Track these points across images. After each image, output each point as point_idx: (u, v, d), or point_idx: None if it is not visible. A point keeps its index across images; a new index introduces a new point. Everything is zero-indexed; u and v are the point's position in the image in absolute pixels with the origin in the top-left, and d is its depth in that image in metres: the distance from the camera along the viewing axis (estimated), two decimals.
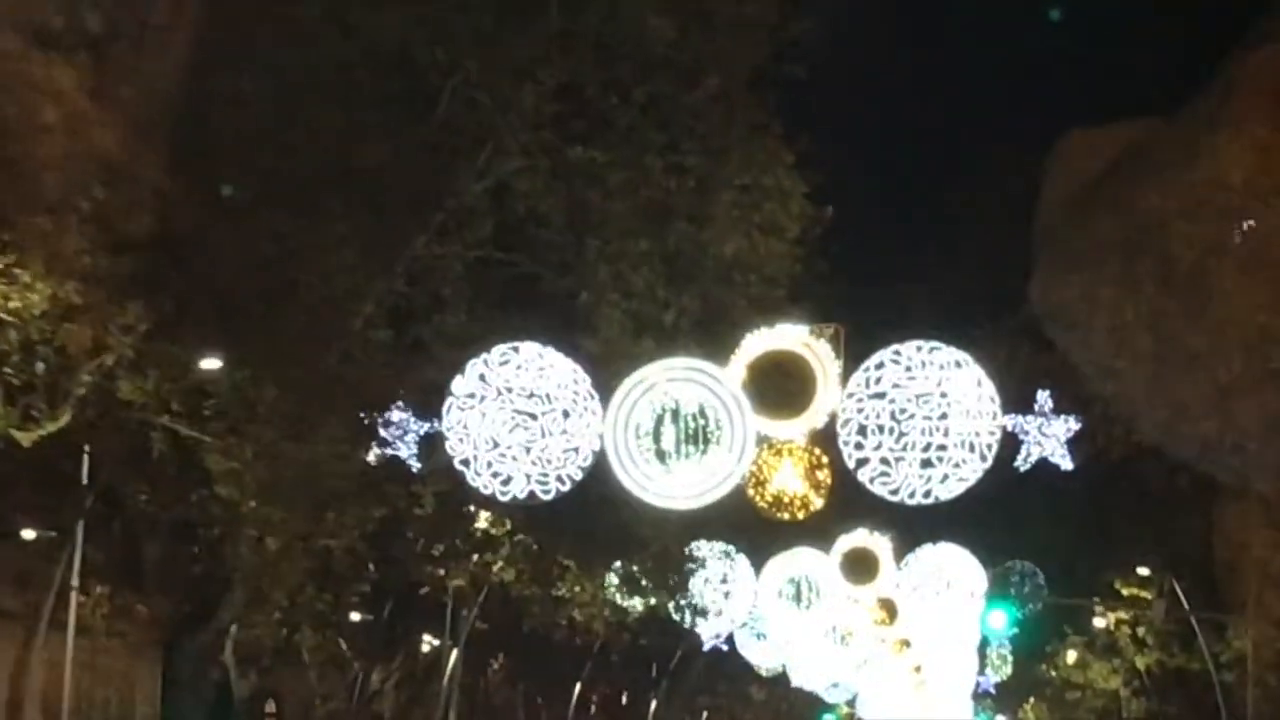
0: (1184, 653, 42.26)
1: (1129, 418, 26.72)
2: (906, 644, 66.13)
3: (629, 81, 25.22)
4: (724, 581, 40.68)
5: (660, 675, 70.25)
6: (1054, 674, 50.29)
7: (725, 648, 55.85)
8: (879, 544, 42.86)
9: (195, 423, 19.05)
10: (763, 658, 54.97)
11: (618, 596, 39.25)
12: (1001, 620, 30.86)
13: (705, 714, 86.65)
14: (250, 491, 19.60)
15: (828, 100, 29.82)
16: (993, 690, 78.20)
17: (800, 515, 24.32)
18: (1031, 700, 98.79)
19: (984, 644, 54.81)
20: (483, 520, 34.06)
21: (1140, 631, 43.03)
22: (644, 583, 32.97)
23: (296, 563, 22.16)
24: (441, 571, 35.30)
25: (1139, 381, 26.14)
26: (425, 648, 51.58)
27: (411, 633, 46.99)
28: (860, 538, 42.69)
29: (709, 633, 41.57)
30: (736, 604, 41.78)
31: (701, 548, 36.00)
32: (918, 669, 74.63)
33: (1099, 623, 51.56)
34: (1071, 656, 57.67)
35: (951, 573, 41.63)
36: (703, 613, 39.49)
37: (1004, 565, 32.83)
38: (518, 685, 74.30)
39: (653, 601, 39.02)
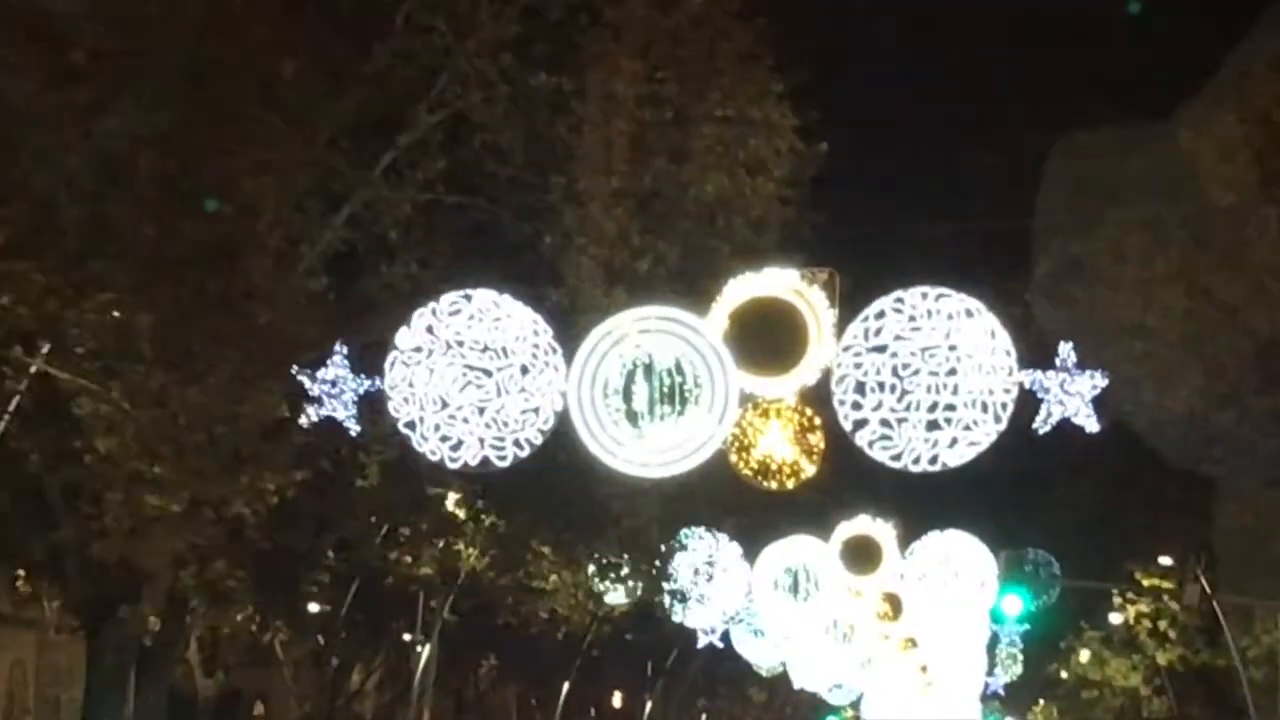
0: (1209, 648, 39.43)
1: (1159, 380, 23.87)
2: (912, 643, 63.58)
3: (600, 1, 22.56)
4: (709, 564, 37.83)
5: (656, 675, 67.32)
6: (1068, 672, 47.34)
7: (720, 645, 53.17)
8: (882, 531, 40.03)
9: (69, 362, 16.21)
10: (760, 656, 52.08)
11: (598, 586, 36.55)
12: (1016, 606, 27.84)
13: (704, 717, 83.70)
14: (131, 445, 16.77)
15: (827, 28, 26.89)
16: (1001, 691, 75.56)
17: (790, 484, 21.41)
18: (1041, 703, 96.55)
19: (993, 642, 52.00)
20: (450, 503, 31.35)
21: (1162, 625, 40.18)
22: (622, 570, 30.03)
23: (181, 530, 19.24)
24: (408, 559, 32.57)
25: (1170, 339, 23.28)
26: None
27: (384, 627, 44.23)
28: (862, 525, 39.87)
29: (698, 624, 38.72)
30: (728, 595, 38.92)
31: (685, 529, 33.03)
32: (924, 669, 71.91)
33: (1115, 618, 48.82)
34: (1085, 656, 55.07)
35: (960, 562, 38.77)
36: (682, 598, 36.67)
37: (1018, 550, 29.66)
38: (509, 687, 71.63)
39: (637, 591, 36.31)
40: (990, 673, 70.38)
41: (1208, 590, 36.68)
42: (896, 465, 20.94)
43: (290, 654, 52.39)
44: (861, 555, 39.77)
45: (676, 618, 38.54)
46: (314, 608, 37.81)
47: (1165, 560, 38.14)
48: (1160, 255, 23.59)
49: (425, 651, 41.10)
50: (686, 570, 37.43)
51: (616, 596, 38.31)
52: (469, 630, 46.87)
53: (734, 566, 38.80)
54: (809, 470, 21.36)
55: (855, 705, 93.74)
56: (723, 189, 22.45)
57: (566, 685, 55.36)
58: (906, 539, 39.69)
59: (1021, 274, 26.52)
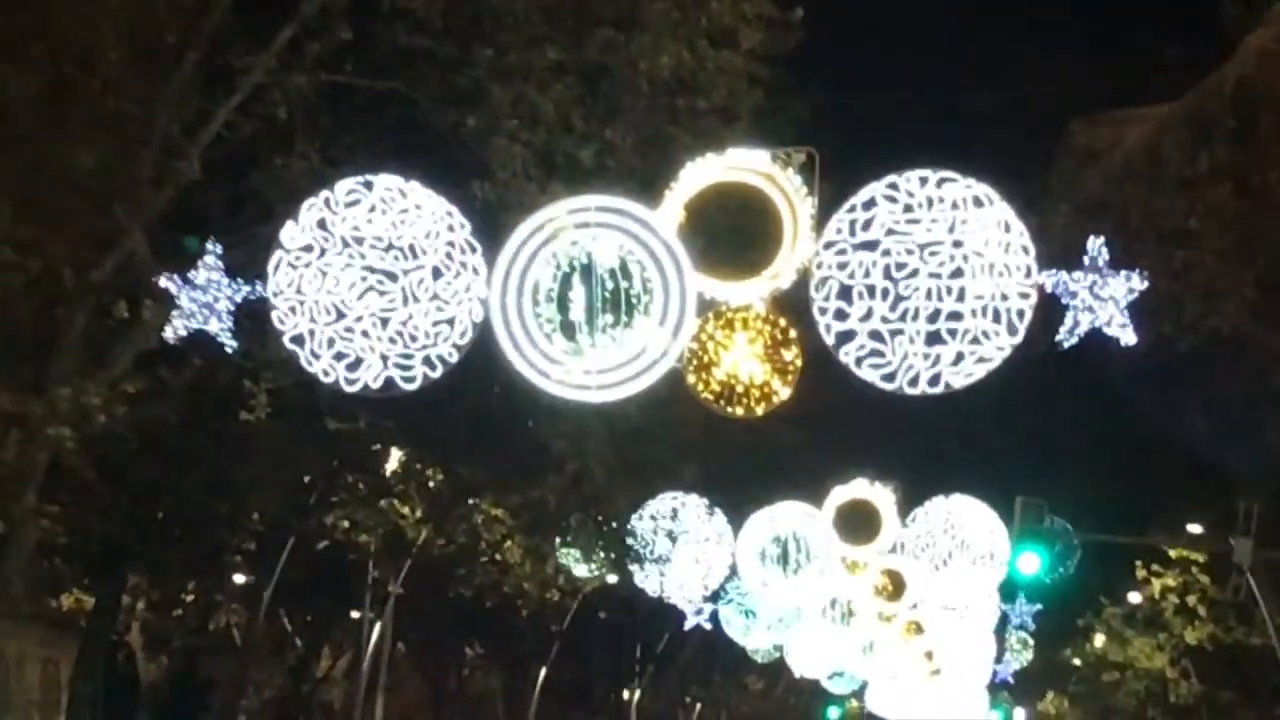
0: (1242, 625, 35.57)
1: (1204, 295, 20.01)
2: (917, 627, 59.90)
3: None
4: (674, 518, 34.01)
5: (644, 662, 63.49)
6: (1088, 650, 43.33)
7: (709, 626, 49.34)
8: (880, 496, 36.14)
9: None
10: (753, 640, 48.20)
11: (564, 558, 32.91)
12: (1033, 564, 23.91)
13: (698, 707, 79.80)
14: None
15: None
16: (1011, 680, 71.75)
17: (759, 409, 17.52)
18: (1050, 694, 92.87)
19: (1002, 624, 48.12)
20: (394, 460, 27.65)
21: (1191, 601, 36.26)
22: (569, 530, 26.24)
23: None
24: (345, 523, 28.85)
25: (1218, 246, 19.43)
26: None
27: (337, 605, 40.55)
28: (858, 489, 36.00)
29: (676, 598, 34.86)
30: (712, 568, 35.09)
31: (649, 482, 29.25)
32: (930, 655, 68.11)
33: (1134, 598, 45.08)
34: (1100, 641, 51.32)
35: (967, 531, 34.89)
36: (637, 557, 32.90)
37: (1034, 501, 25.36)
38: (495, 677, 67.87)
39: (605, 563, 32.69)
40: (999, 659, 67.02)
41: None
42: (889, 387, 17.11)
43: (248, 638, 48.64)
44: (858, 523, 35.88)
45: (648, 588, 34.69)
46: (238, 579, 33.94)
47: (1195, 529, 34.37)
48: (1205, 149, 19.84)
49: (376, 630, 37.30)
50: (649, 529, 33.73)
51: (584, 569, 34.69)
52: (434, 611, 43.25)
53: (715, 534, 34.93)
54: (783, 393, 17.50)
55: (859, 694, 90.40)
56: (681, 64, 18.66)
57: (544, 671, 51.50)
58: (908, 505, 35.81)
59: (1040, 163, 22.51)
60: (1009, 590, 39.53)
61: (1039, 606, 48.73)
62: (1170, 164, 19.95)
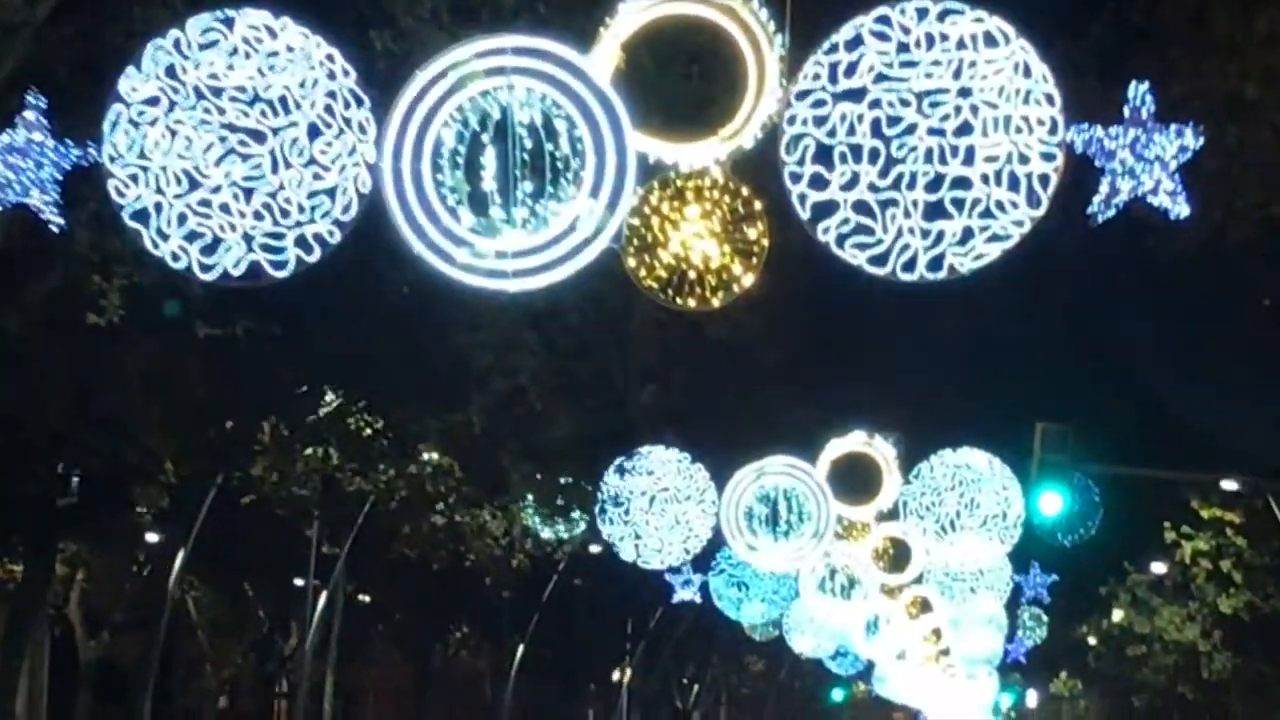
0: None
1: (1263, 176, 16.52)
2: (923, 604, 56.84)
3: None
4: (649, 473, 30.52)
5: (636, 639, 59.98)
6: (1111, 623, 39.65)
7: (698, 599, 45.91)
8: (880, 450, 32.65)
9: None
10: (745, 613, 44.72)
11: (529, 519, 29.50)
12: (1056, 504, 20.35)
13: (696, 689, 76.25)
14: None
15: None
16: (1023, 659, 68.51)
17: (716, 300, 14.01)
18: (1064, 675, 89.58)
19: (1015, 595, 44.71)
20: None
21: (1225, 566, 32.68)
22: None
23: None
24: (275, 475, 25.39)
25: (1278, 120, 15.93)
26: None
27: (274, 571, 37.07)
28: (855, 442, 32.53)
29: (649, 562, 31.35)
30: (694, 530, 31.52)
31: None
32: (937, 634, 64.98)
33: (1157, 569, 41.65)
34: (1118, 616, 47.81)
35: (976, 489, 31.36)
36: (609, 519, 29.53)
37: (1057, 427, 21.59)
38: (484, 658, 64.49)
39: (574, 523, 29.30)
40: (1010, 638, 63.60)
41: None
42: (879, 272, 13.64)
43: (205, 613, 45.33)
44: (856, 480, 32.38)
45: (622, 553, 31.22)
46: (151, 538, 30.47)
47: (1230, 485, 30.91)
48: (1260, 10, 16.40)
49: (321, 600, 33.85)
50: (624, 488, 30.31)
51: (550, 531, 31.24)
52: (395, 580, 39.88)
53: (698, 494, 31.40)
54: (745, 280, 14.00)
55: (863, 676, 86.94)
56: None
57: (521, 649, 48.03)
58: (910, 459, 32.28)
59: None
60: (1023, 553, 35.98)
61: (1054, 577, 45.38)
62: (1219, 24, 16.56)
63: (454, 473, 26.89)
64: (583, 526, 30.79)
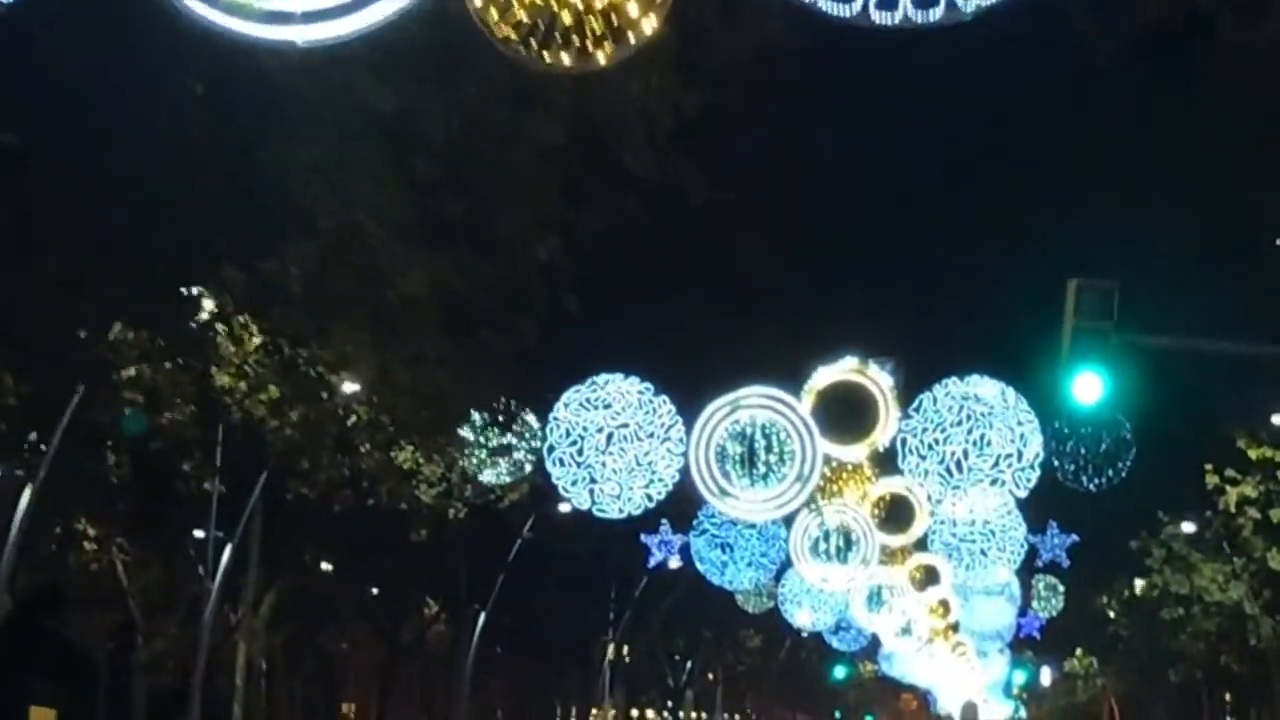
0: None
1: None
2: (928, 573, 52.65)
3: None
4: (606, 407, 26.08)
5: (620, 608, 55.28)
6: (1146, 583, 34.97)
7: (678, 561, 41.51)
8: (875, 379, 28.07)
9: None
10: (730, 578, 40.14)
11: (470, 461, 25.07)
12: (1094, 390, 15.80)
13: (689, 665, 71.47)
14: None
15: None
16: (1037, 634, 64.07)
17: (602, 55, 9.42)
18: (1079, 651, 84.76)
19: (1031, 556, 40.20)
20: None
21: (1276, 516, 28.12)
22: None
23: None
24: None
25: None
26: None
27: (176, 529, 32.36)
28: (845, 370, 27.99)
29: (588, 500, 26.83)
30: (657, 473, 27.01)
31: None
32: (944, 606, 60.72)
33: (1187, 528, 37.12)
34: (1140, 586, 43.32)
35: (987, 423, 26.82)
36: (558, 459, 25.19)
37: (1099, 284, 16.91)
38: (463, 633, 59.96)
39: (518, 465, 24.91)
40: (1023, 611, 59.03)
41: None
42: (844, 14, 9.16)
43: (137, 579, 40.59)
44: (846, 412, 27.80)
45: (574, 500, 26.73)
46: None
47: None
48: None
49: (225, 556, 29.33)
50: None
51: (492, 473, 26.76)
52: (333, 538, 35.37)
53: (663, 431, 26.89)
54: (645, 25, 9.39)
55: (870, 652, 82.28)
56: None
57: (482, 617, 43.47)
58: (910, 390, 27.68)
59: None
60: (1042, 506, 31.38)
61: (1074, 538, 40.89)
62: None
63: (371, 401, 22.53)
64: (528, 468, 26.17)
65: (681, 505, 39.79)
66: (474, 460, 25.84)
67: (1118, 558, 39.30)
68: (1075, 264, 14.82)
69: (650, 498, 27.05)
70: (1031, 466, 26.80)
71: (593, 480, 26.90)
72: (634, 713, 72.06)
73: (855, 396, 27.69)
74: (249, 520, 28.26)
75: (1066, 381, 14.10)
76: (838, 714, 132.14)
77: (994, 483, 26.88)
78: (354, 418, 24.31)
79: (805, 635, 72.01)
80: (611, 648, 55.01)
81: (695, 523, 39.15)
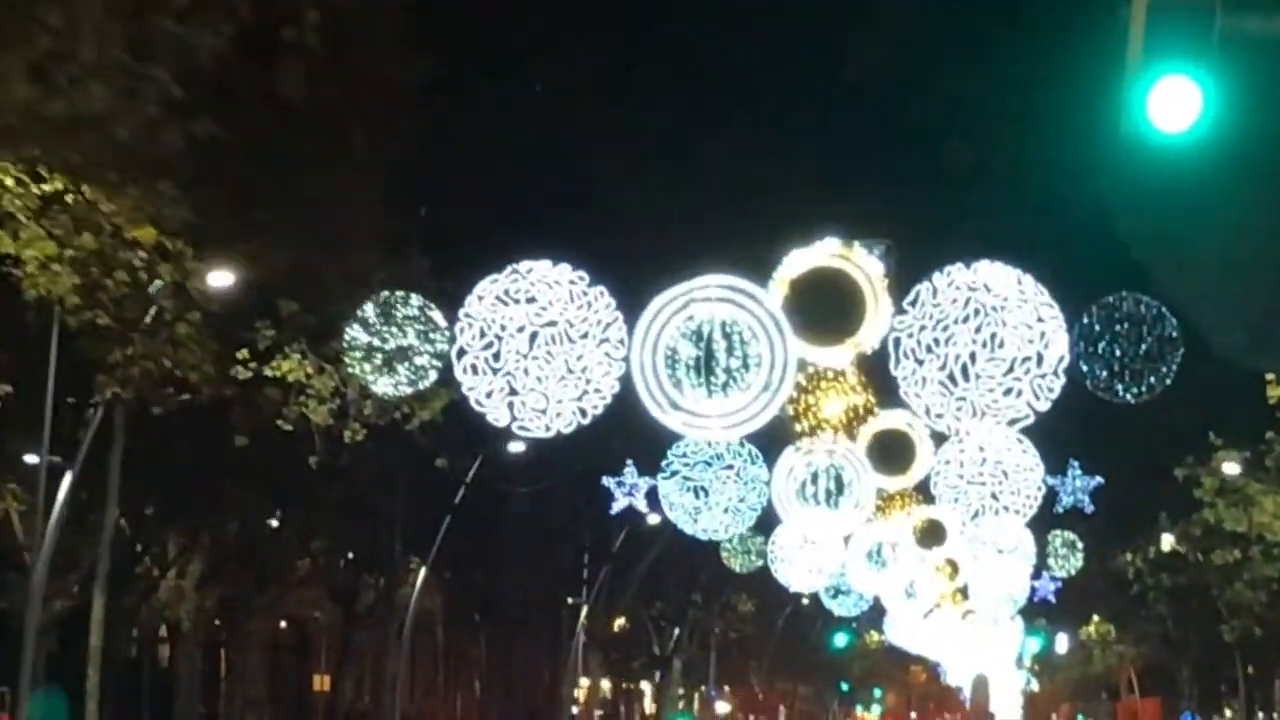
0: None
1: None
2: (932, 531, 48.11)
3: None
4: (529, 301, 21.03)
5: (595, 564, 50.01)
6: (1200, 517, 29.75)
7: (644, 507, 36.38)
8: (861, 266, 22.70)
9: None
10: (704, 524, 34.97)
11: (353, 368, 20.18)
12: (1185, 105, 10.66)
13: (676, 632, 65.80)
14: None
15: None
16: (1052, 597, 59.12)
17: None
18: (1095, 619, 79.95)
19: (1049, 502, 34.99)
20: None
21: None
22: None
23: None
24: None
25: None
26: None
27: None
28: (825, 254, 22.65)
29: (508, 414, 21.64)
30: (592, 381, 21.79)
31: None
32: (952, 566, 55.83)
33: (1229, 469, 31.97)
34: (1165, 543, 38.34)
35: (999, 319, 21.57)
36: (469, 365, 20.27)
37: None
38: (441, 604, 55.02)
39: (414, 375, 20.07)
40: (1037, 573, 54.18)
41: None
42: None
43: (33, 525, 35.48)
44: (827, 308, 22.48)
45: (491, 415, 21.55)
46: None
47: None
48: None
49: (64, 484, 24.15)
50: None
51: (384, 384, 21.66)
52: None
53: (599, 329, 21.66)
54: None
55: (876, 621, 77.14)
56: None
57: (423, 572, 38.27)
58: (905, 280, 22.33)
59: None
60: (1064, 428, 26.17)
61: (1098, 480, 35.70)
62: None
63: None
64: (433, 376, 21.08)
65: (651, 444, 34.86)
66: (358, 363, 20.74)
67: (1148, 505, 34.22)
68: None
69: (584, 413, 21.89)
70: (1055, 372, 21.62)
71: (513, 392, 21.80)
72: (611, 685, 67.04)
73: (836, 287, 22.37)
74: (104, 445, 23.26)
75: (1138, 95, 8.91)
76: (844, 686, 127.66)
77: (1008, 392, 21.69)
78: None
79: (804, 600, 67.34)
80: (585, 611, 49.78)
81: (664, 463, 34.17)
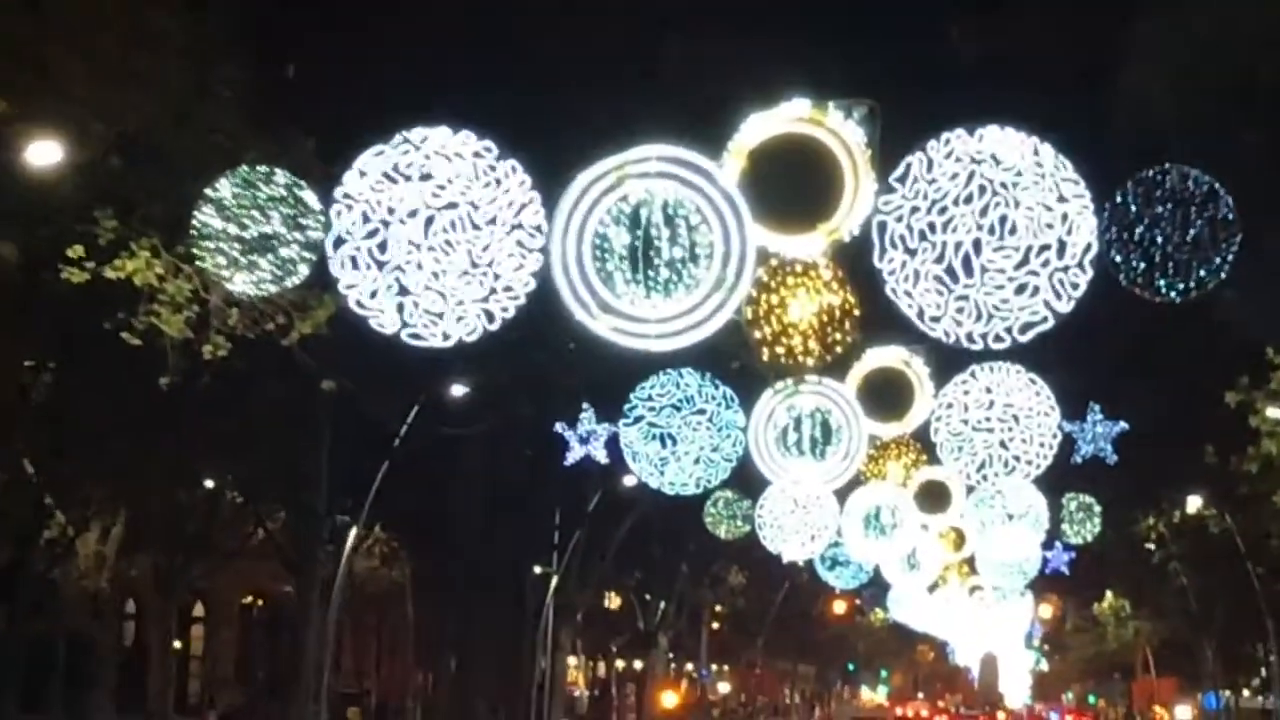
0: None
1: None
2: (940, 491, 44.70)
3: None
4: (424, 179, 16.83)
5: (567, 528, 45.49)
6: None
7: (604, 458, 31.96)
8: (837, 132, 18.17)
9: None
10: (671, 477, 30.59)
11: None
12: None
13: (662, 605, 61.26)
14: None
15: None
16: (1065, 568, 55.19)
17: None
18: (1109, 595, 76.26)
19: (1066, 451, 30.57)
20: None
21: None
22: None
23: None
24: None
25: None
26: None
27: None
28: (792, 118, 18.15)
29: (396, 321, 17.28)
30: (501, 276, 17.42)
31: None
32: (959, 536, 52.32)
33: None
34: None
35: (1008, 197, 17.14)
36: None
37: None
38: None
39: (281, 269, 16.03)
40: (1049, 543, 50.27)
41: None
42: None
43: None
44: (795, 185, 18.02)
45: (376, 322, 17.18)
46: None
47: None
48: None
49: None
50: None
51: (242, 280, 17.40)
52: None
53: (509, 213, 17.29)
54: None
55: (879, 599, 73.03)
56: None
57: (353, 533, 33.87)
58: (891, 150, 17.82)
59: None
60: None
61: (1122, 425, 31.39)
62: None
63: None
64: (304, 271, 16.75)
65: (613, 387, 30.73)
66: (210, 255, 16.44)
67: (1184, 451, 29.98)
68: None
69: (490, 316, 17.51)
70: (1080, 264, 17.22)
71: (403, 291, 17.44)
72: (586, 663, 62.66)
73: (807, 158, 17.93)
74: None
75: None
76: (851, 666, 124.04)
77: (1021, 290, 17.31)
78: None
79: (801, 570, 63.24)
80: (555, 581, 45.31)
81: (627, 407, 29.90)
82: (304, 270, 17.58)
